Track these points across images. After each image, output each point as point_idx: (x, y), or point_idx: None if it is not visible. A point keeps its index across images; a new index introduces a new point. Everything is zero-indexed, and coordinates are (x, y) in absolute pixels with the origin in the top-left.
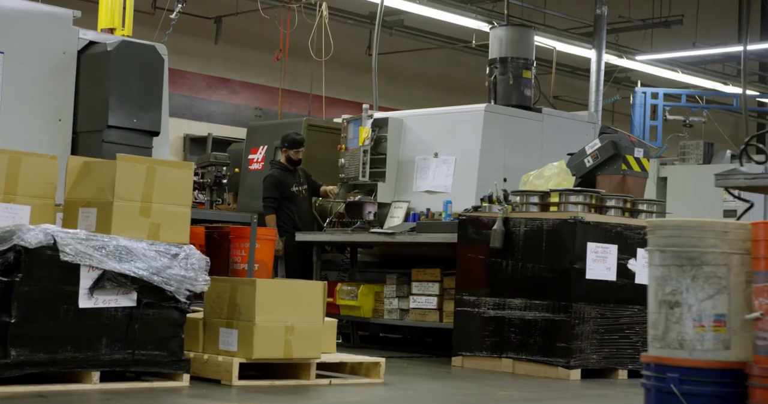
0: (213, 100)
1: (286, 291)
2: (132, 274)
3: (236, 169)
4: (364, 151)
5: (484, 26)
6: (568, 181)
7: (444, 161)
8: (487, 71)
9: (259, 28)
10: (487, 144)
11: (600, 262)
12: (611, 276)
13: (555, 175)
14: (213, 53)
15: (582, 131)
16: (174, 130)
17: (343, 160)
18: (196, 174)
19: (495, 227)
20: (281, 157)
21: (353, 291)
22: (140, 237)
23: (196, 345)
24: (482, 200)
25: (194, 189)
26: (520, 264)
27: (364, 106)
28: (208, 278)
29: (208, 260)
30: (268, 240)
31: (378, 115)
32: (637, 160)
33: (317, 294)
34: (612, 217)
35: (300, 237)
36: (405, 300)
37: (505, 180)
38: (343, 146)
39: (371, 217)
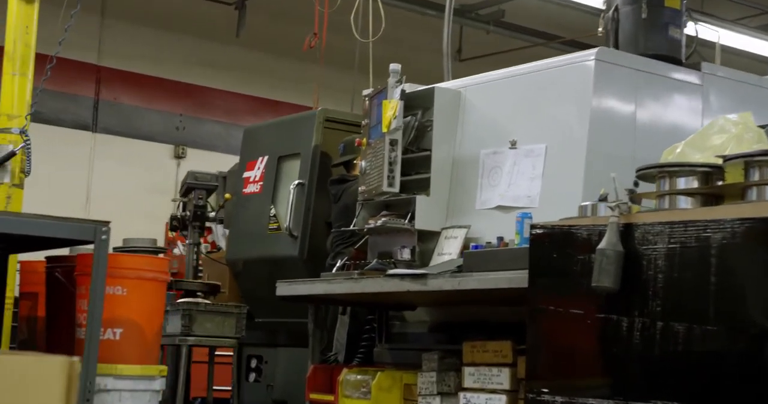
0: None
1: None
2: None
3: (227, 196)
4: (392, 143)
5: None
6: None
7: (527, 153)
8: (603, 3)
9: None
10: (602, 120)
11: None
12: None
13: (733, 139)
14: (235, 62)
15: (765, 103)
16: (206, 166)
17: (363, 164)
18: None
19: (602, 245)
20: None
21: (365, 382)
22: None
23: None
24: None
25: (174, 228)
26: (660, 324)
27: (393, 66)
28: None
29: None
30: (147, 280)
31: (417, 87)
32: None
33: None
34: None
35: (280, 290)
36: (452, 399)
37: (636, 184)
38: (364, 141)
39: (405, 255)
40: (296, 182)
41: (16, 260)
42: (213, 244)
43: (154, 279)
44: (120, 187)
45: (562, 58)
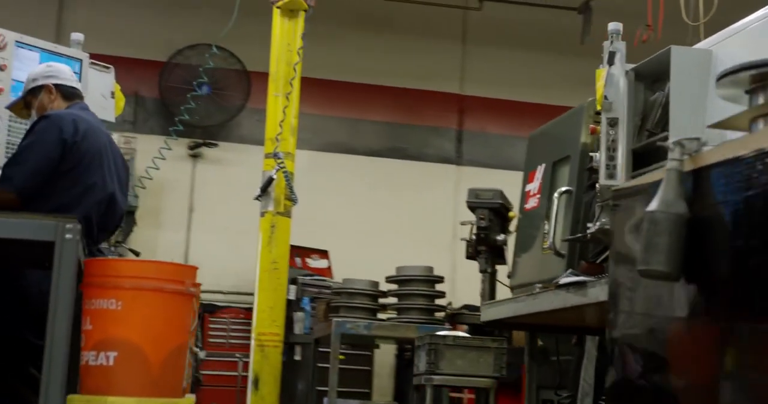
0: None
1: None
2: None
3: (510, 214)
4: (610, 123)
5: None
6: None
7: None
8: None
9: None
10: None
11: None
12: None
13: None
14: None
15: None
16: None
17: (597, 156)
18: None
19: (651, 207)
20: None
21: None
22: None
23: None
24: None
25: (470, 256)
26: (727, 328)
27: (612, 25)
28: None
29: None
30: (150, 291)
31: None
32: None
33: None
34: None
35: (483, 315)
36: None
37: None
38: (598, 128)
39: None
40: (561, 190)
41: None
42: None
43: (159, 290)
44: None
45: None
